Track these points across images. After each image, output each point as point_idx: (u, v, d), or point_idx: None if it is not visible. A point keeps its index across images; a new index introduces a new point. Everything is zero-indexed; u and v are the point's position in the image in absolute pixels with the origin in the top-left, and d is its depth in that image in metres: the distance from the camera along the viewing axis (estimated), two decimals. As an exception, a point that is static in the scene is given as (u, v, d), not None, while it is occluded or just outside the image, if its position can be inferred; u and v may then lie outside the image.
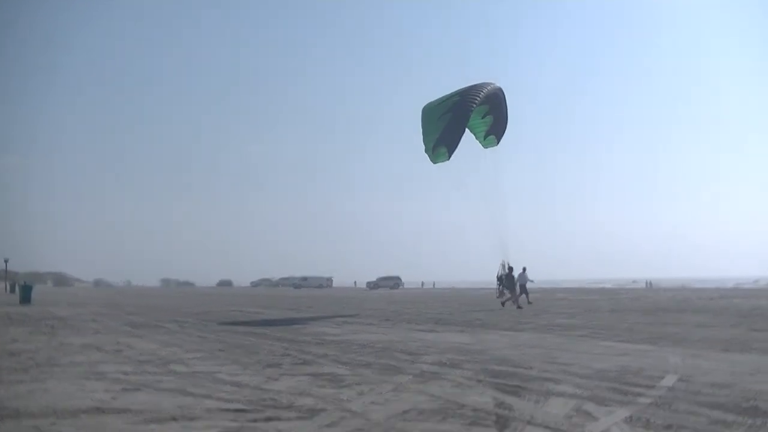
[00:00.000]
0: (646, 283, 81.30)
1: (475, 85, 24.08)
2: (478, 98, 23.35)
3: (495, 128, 25.62)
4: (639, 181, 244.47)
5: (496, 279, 28.88)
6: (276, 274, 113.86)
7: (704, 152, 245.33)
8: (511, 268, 28.04)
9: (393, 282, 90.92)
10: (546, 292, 52.06)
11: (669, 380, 8.54)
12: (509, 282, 28.22)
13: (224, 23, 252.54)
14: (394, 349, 12.46)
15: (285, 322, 20.89)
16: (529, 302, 29.94)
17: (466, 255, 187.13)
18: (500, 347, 12.90)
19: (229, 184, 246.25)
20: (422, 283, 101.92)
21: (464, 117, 22.91)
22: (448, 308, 29.98)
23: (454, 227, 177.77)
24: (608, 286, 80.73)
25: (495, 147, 25.86)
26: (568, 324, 19.34)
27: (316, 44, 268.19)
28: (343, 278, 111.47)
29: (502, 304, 28.53)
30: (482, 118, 25.10)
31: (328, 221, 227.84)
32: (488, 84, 24.48)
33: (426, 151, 23.26)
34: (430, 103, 24.06)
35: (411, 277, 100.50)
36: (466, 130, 24.08)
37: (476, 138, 25.71)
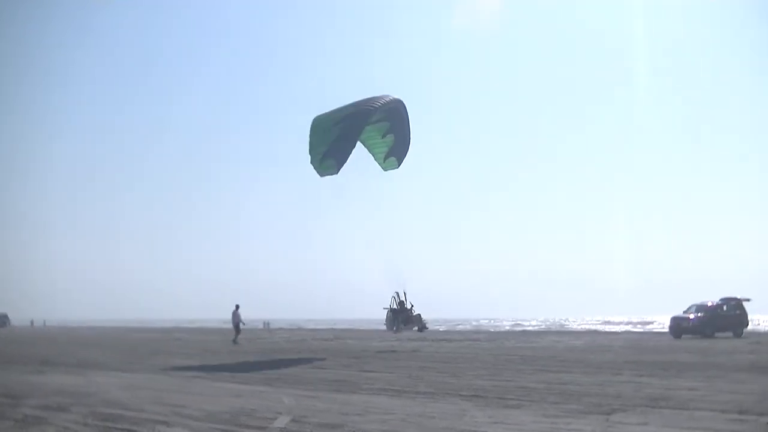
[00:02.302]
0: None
1: (372, 97, 22.41)
2: (373, 108, 21.87)
3: (396, 150, 23.82)
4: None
5: (387, 310, 27.20)
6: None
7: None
8: (402, 302, 26.64)
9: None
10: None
11: (281, 421, 9.01)
12: (404, 315, 26.66)
13: None
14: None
15: None
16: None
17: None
18: (111, 389, 12.84)
19: None
20: (32, 321, 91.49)
21: (356, 128, 21.54)
22: (56, 348, 27.94)
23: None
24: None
25: (396, 169, 24.34)
26: (186, 365, 19.61)
27: None
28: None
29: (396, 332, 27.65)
30: (382, 137, 23.46)
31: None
32: (386, 96, 22.70)
33: (312, 162, 21.61)
34: (320, 115, 22.33)
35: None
36: (363, 147, 23.15)
37: (375, 159, 23.91)
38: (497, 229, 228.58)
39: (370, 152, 23.72)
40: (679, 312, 36.42)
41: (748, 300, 36.87)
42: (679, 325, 35.31)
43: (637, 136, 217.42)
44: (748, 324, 37.19)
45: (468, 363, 19.17)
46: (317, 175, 21.74)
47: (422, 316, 27.33)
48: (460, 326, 73.81)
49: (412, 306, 26.37)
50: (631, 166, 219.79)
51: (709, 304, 36.14)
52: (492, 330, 59.67)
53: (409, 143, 24.16)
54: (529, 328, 65.05)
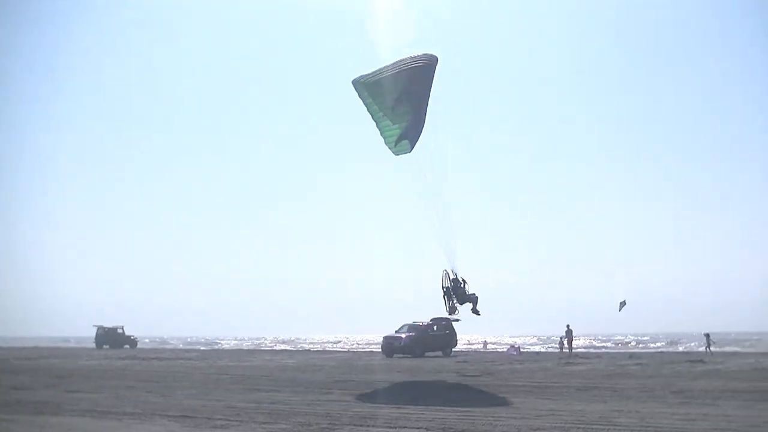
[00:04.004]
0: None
1: (412, 59, 19.32)
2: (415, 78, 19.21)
3: (410, 130, 20.42)
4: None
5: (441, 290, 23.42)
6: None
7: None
8: (455, 278, 22.91)
9: None
10: None
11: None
12: (457, 292, 23.06)
13: None
14: None
15: None
16: None
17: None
18: None
19: None
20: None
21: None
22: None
23: None
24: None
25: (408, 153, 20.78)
26: None
27: None
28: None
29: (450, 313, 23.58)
30: (399, 114, 20.34)
31: None
32: (420, 58, 19.44)
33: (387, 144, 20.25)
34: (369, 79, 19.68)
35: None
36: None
37: (385, 141, 20.78)
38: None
39: (379, 130, 20.97)
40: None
41: (457, 320, 40.52)
42: (390, 345, 36.75)
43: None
44: (456, 344, 40.63)
45: (178, 382, 18.95)
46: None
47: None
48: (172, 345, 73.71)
49: (465, 283, 23.28)
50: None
51: (421, 324, 38.36)
52: (204, 348, 59.17)
53: (424, 120, 20.60)
54: (246, 346, 65.45)
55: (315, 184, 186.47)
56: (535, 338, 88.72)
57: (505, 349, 45.50)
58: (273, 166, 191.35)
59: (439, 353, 37.68)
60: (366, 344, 65.20)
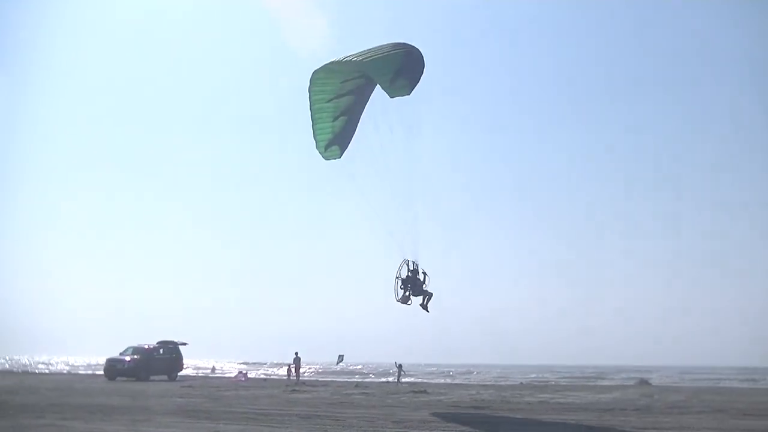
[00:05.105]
0: None
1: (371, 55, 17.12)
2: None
3: (342, 136, 20.05)
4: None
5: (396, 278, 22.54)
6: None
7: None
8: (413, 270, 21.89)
9: None
10: None
11: None
12: (415, 284, 22.01)
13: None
14: None
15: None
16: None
17: None
18: None
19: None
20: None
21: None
22: None
23: None
24: None
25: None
26: None
27: None
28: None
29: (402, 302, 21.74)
30: (333, 120, 19.59)
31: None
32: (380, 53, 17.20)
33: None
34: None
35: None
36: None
37: (315, 143, 20.21)
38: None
39: (313, 130, 20.27)
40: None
41: (185, 344, 39.88)
42: (113, 367, 35.58)
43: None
44: (182, 367, 40.16)
45: None
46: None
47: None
48: None
49: (426, 276, 22.37)
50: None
51: (146, 346, 37.44)
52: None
53: (356, 127, 20.63)
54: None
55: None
56: (267, 364, 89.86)
57: (233, 375, 45.59)
58: None
59: (165, 377, 36.90)
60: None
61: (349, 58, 17.34)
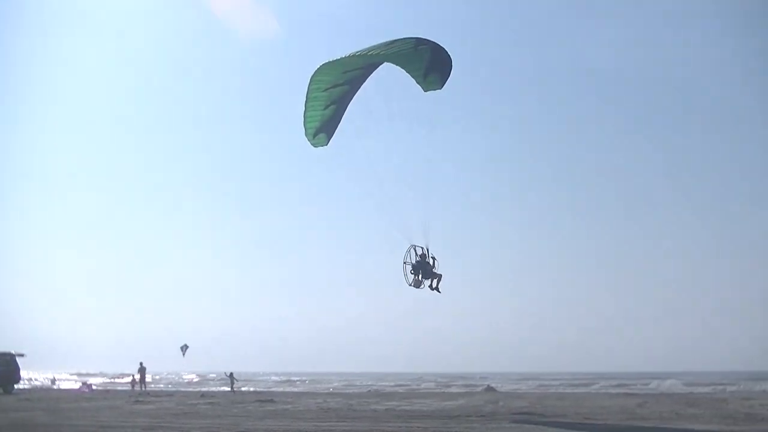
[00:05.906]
0: None
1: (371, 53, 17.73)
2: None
3: (330, 123, 20.55)
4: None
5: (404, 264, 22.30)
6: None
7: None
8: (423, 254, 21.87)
9: None
10: None
11: None
12: (425, 268, 22.02)
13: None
14: None
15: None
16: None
17: None
18: None
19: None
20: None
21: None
22: None
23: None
24: None
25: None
26: None
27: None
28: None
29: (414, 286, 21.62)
30: (323, 108, 20.04)
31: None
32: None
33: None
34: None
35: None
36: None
37: (305, 129, 20.59)
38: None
39: (304, 117, 20.49)
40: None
41: (22, 355, 37.85)
42: None
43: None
44: (19, 380, 38.17)
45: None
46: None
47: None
48: None
49: (435, 260, 22.59)
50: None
51: None
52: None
53: (342, 116, 20.88)
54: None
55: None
56: (113, 374, 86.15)
57: (78, 386, 43.89)
58: None
59: (0, 390, 34.99)
60: None
61: (363, 52, 17.87)
